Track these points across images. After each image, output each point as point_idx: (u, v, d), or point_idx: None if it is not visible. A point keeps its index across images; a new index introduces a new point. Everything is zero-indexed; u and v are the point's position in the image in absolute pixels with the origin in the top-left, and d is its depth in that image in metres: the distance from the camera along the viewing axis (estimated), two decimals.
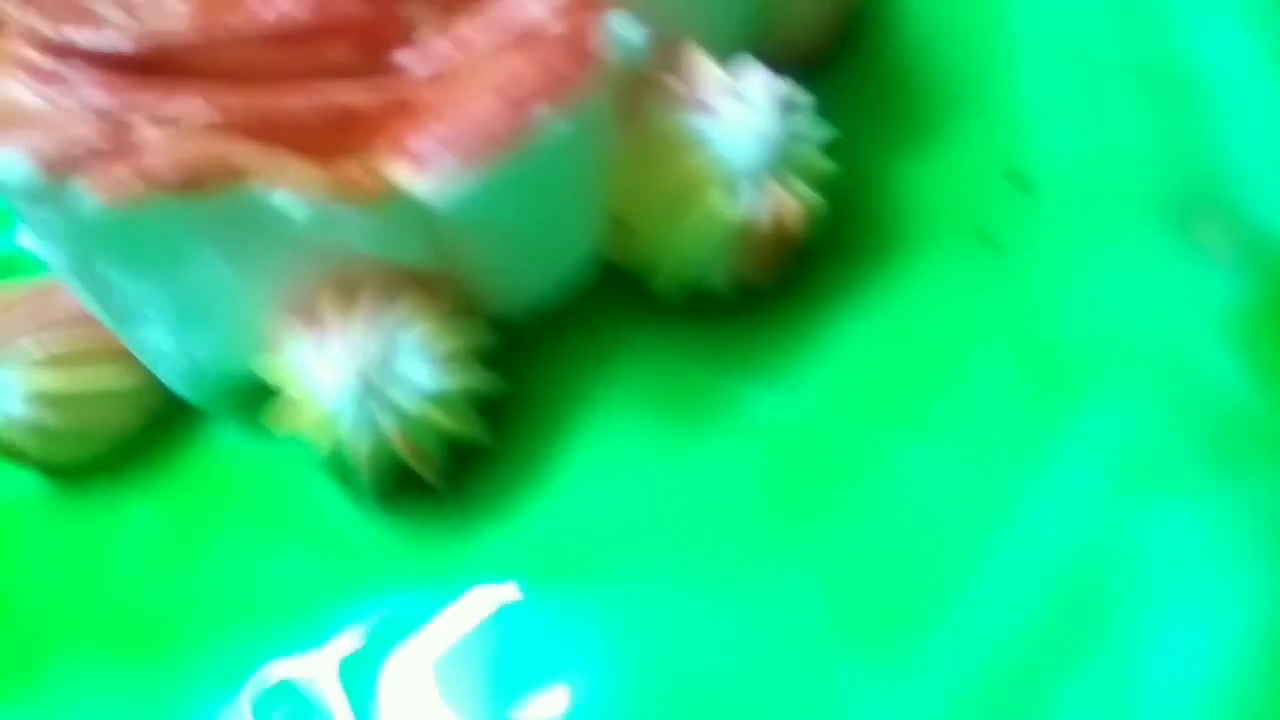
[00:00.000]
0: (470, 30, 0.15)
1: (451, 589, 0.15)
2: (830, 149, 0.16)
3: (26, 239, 0.18)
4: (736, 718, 0.14)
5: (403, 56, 0.15)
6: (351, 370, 0.15)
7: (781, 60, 0.17)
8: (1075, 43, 0.18)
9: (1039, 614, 0.14)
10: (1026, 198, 0.17)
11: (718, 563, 0.15)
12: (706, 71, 0.15)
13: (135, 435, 0.17)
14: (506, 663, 0.15)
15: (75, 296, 0.17)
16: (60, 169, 0.14)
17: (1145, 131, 0.17)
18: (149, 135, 0.14)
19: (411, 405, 0.15)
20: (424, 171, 0.13)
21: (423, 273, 0.15)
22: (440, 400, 0.15)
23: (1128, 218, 0.16)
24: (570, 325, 0.16)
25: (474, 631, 0.15)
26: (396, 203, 0.14)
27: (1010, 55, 0.18)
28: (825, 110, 0.16)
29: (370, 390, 0.15)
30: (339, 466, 0.15)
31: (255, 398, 0.17)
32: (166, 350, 0.16)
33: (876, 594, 0.14)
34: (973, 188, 0.17)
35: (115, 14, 0.16)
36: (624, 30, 0.14)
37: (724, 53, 0.17)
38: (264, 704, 0.16)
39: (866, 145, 0.17)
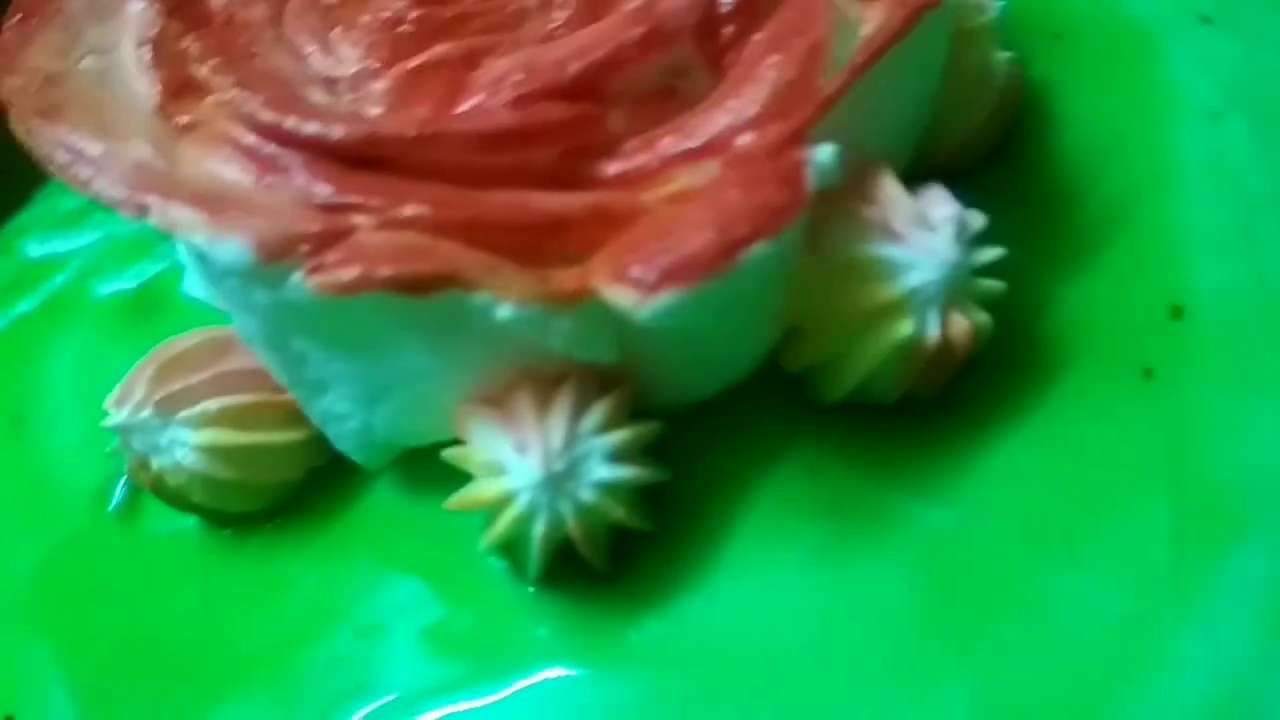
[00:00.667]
0: (672, 140, 0.16)
1: (604, 674, 0.16)
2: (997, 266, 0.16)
3: (195, 287, 0.18)
4: None
5: (605, 165, 0.16)
6: (538, 461, 0.15)
7: (937, 167, 0.18)
8: (1234, 170, 0.19)
9: None
10: (1181, 327, 0.17)
11: (862, 669, 0.16)
12: (895, 197, 0.16)
13: (297, 488, 0.18)
14: None
15: (250, 354, 0.17)
16: (278, 256, 0.15)
17: None
18: (367, 229, 0.15)
19: (589, 496, 0.15)
20: (637, 293, 0.14)
21: (606, 369, 0.16)
22: (615, 491, 0.16)
23: (1276, 359, 0.17)
24: (732, 415, 0.17)
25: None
26: (596, 310, 0.15)
27: (1169, 177, 0.19)
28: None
29: (553, 481, 0.15)
30: (507, 545, 0.16)
31: (419, 460, 0.17)
32: (343, 417, 0.17)
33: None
34: (1128, 313, 0.17)
35: (320, 93, 0.16)
36: (826, 157, 0.15)
37: (897, 166, 0.17)
38: None
39: (1024, 261, 0.18)
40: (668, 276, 0.14)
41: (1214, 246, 0.18)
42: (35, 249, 0.25)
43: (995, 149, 0.19)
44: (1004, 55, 0.19)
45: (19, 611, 0.19)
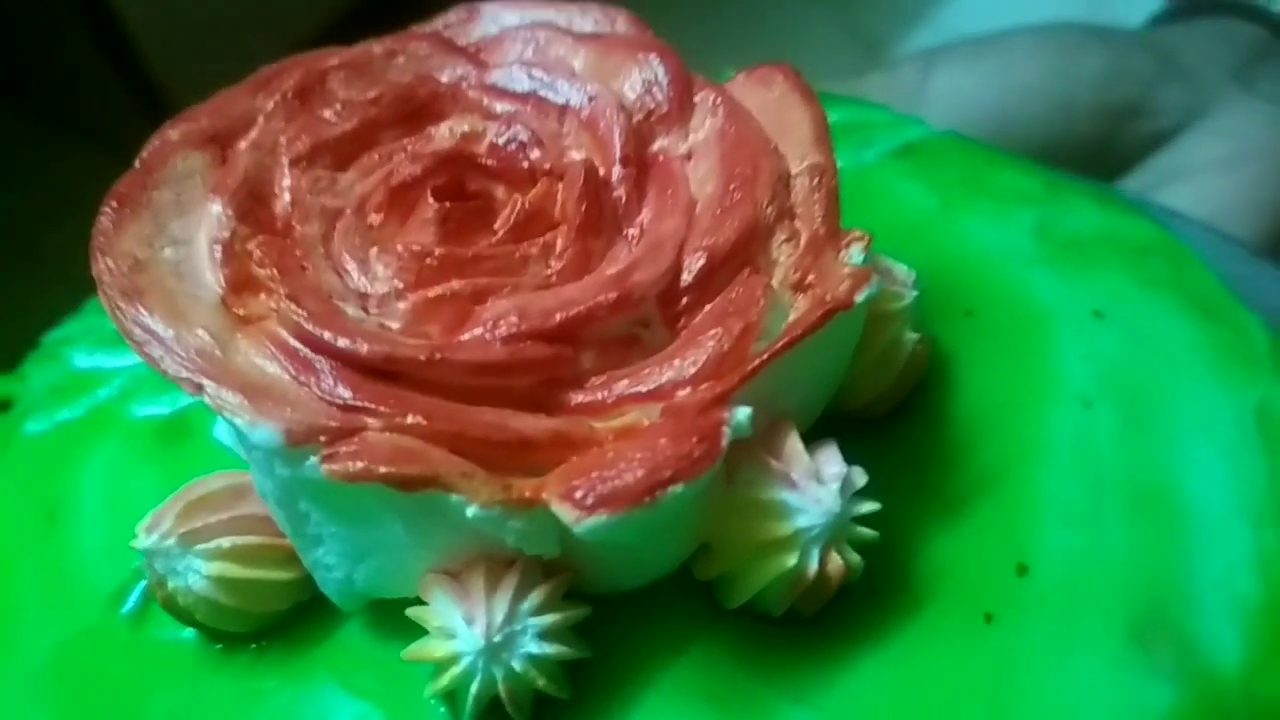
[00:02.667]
0: (627, 383, 0.20)
1: None
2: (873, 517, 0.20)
3: (224, 435, 0.22)
4: None
5: (573, 395, 0.20)
6: (481, 632, 0.19)
7: (846, 416, 0.22)
8: (1094, 453, 0.23)
9: None
10: (1024, 582, 0.21)
11: None
12: (796, 453, 0.20)
13: (282, 617, 0.22)
14: None
15: (262, 502, 0.21)
16: (301, 442, 0.18)
17: (1133, 549, 0.22)
18: (374, 430, 0.18)
19: (518, 666, 0.19)
20: (577, 511, 0.18)
21: (549, 560, 0.19)
22: (540, 664, 0.19)
23: (1099, 622, 0.20)
24: (649, 607, 0.21)
25: None
26: (547, 516, 0.18)
27: (1037, 452, 0.23)
28: (873, 468, 0.20)
29: (491, 650, 0.19)
30: (449, 695, 0.20)
31: (386, 609, 0.21)
32: (331, 568, 0.20)
33: None
34: (980, 565, 0.21)
35: (354, 307, 0.20)
36: (742, 418, 0.19)
37: (807, 422, 0.21)
38: None
39: (901, 511, 0.21)
40: (602, 502, 0.18)
41: (1064, 517, 0.22)
42: (83, 360, 0.29)
43: (899, 405, 0.23)
44: (912, 336, 0.23)
45: (31, 687, 0.23)
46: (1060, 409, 0.23)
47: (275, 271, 0.20)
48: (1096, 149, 0.48)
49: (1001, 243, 0.27)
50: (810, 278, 0.21)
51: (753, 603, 0.20)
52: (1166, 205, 0.41)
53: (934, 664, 0.20)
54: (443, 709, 0.20)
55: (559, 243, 0.21)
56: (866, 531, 0.20)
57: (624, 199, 0.22)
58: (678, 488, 0.18)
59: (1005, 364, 0.24)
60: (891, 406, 0.23)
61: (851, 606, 0.20)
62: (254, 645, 0.22)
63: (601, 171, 0.22)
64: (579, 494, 0.18)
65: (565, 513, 0.18)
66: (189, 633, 0.22)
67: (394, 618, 0.20)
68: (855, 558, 0.20)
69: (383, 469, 0.18)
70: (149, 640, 0.22)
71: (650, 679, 0.20)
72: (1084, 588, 0.21)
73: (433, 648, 0.19)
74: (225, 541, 0.21)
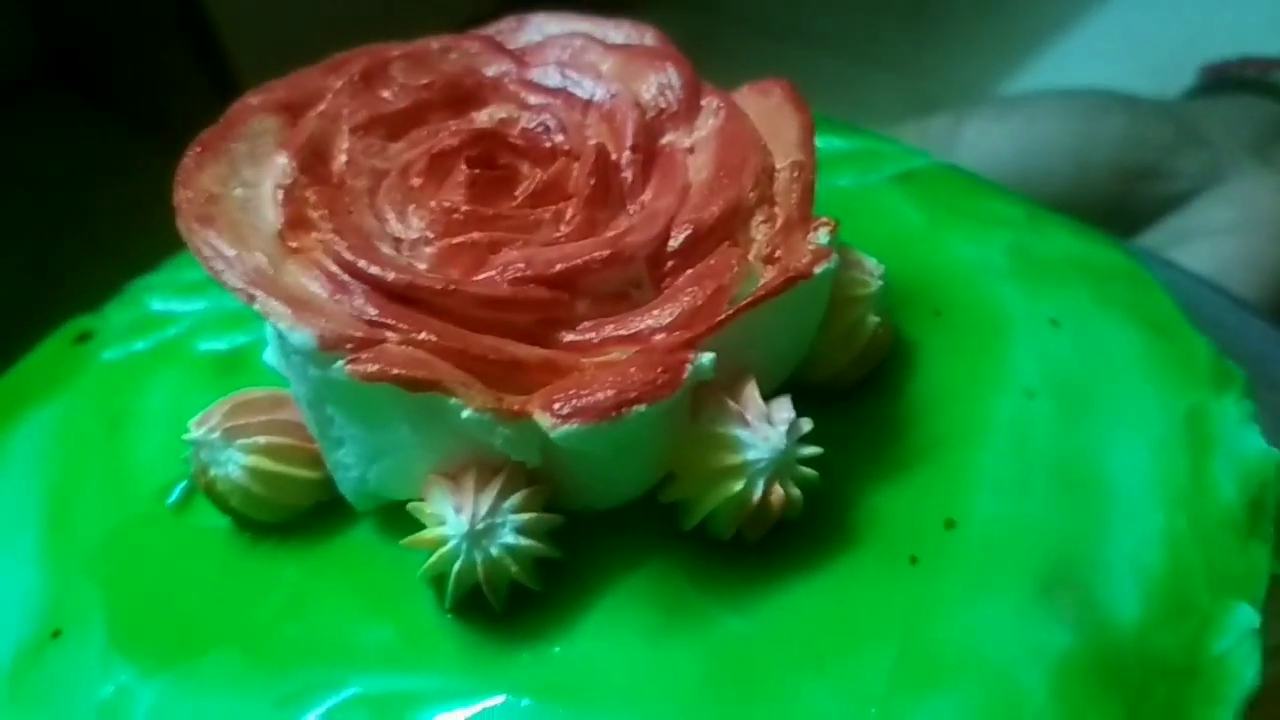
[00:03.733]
0: (612, 328, 0.23)
1: (481, 681, 0.22)
2: (817, 462, 0.23)
3: (272, 359, 0.26)
4: None
5: (564, 334, 0.23)
6: (467, 517, 0.22)
7: (812, 389, 0.25)
8: (1030, 436, 0.25)
9: None
10: (951, 534, 0.24)
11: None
12: (753, 398, 0.23)
13: (304, 513, 0.25)
14: None
15: (297, 411, 0.25)
16: (331, 348, 0.22)
17: (1053, 518, 0.24)
18: (393, 342, 0.22)
19: (497, 552, 0.22)
20: (554, 420, 0.21)
21: (532, 471, 0.23)
22: (515, 554, 0.22)
23: (1013, 575, 0.23)
24: (616, 524, 0.24)
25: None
26: (531, 427, 0.22)
27: (978, 430, 0.25)
28: (830, 430, 0.23)
29: (473, 535, 0.22)
30: (437, 579, 0.23)
31: (392, 511, 0.24)
32: (349, 467, 0.24)
33: None
34: (913, 517, 0.24)
35: (388, 247, 0.24)
36: (704, 361, 0.22)
37: (772, 382, 0.24)
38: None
39: (848, 465, 0.24)
40: (576, 414, 0.21)
41: (994, 486, 0.25)
42: (158, 305, 0.33)
43: (861, 382, 0.26)
44: (874, 320, 0.26)
45: (83, 559, 0.26)
46: (1005, 397, 0.26)
47: (326, 212, 0.24)
48: (1113, 206, 0.50)
49: (977, 258, 0.30)
50: (779, 253, 0.24)
51: (705, 526, 0.23)
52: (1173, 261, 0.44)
53: (860, 593, 0.23)
54: (431, 594, 0.23)
55: (569, 211, 0.25)
56: (808, 471, 0.23)
57: (630, 180, 0.25)
58: (641, 408, 0.21)
59: (962, 357, 0.27)
60: (853, 382, 0.26)
61: (791, 539, 0.23)
62: (278, 536, 0.25)
63: (614, 156, 0.26)
64: (557, 405, 0.21)
65: (545, 421, 0.21)
66: (223, 522, 0.25)
67: (398, 520, 0.24)
68: (796, 492, 0.23)
69: (395, 371, 0.21)
70: (188, 527, 0.26)
71: (610, 585, 0.23)
72: (1003, 545, 0.24)
73: (426, 533, 0.22)
74: (261, 439, 0.24)
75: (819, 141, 0.26)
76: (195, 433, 0.24)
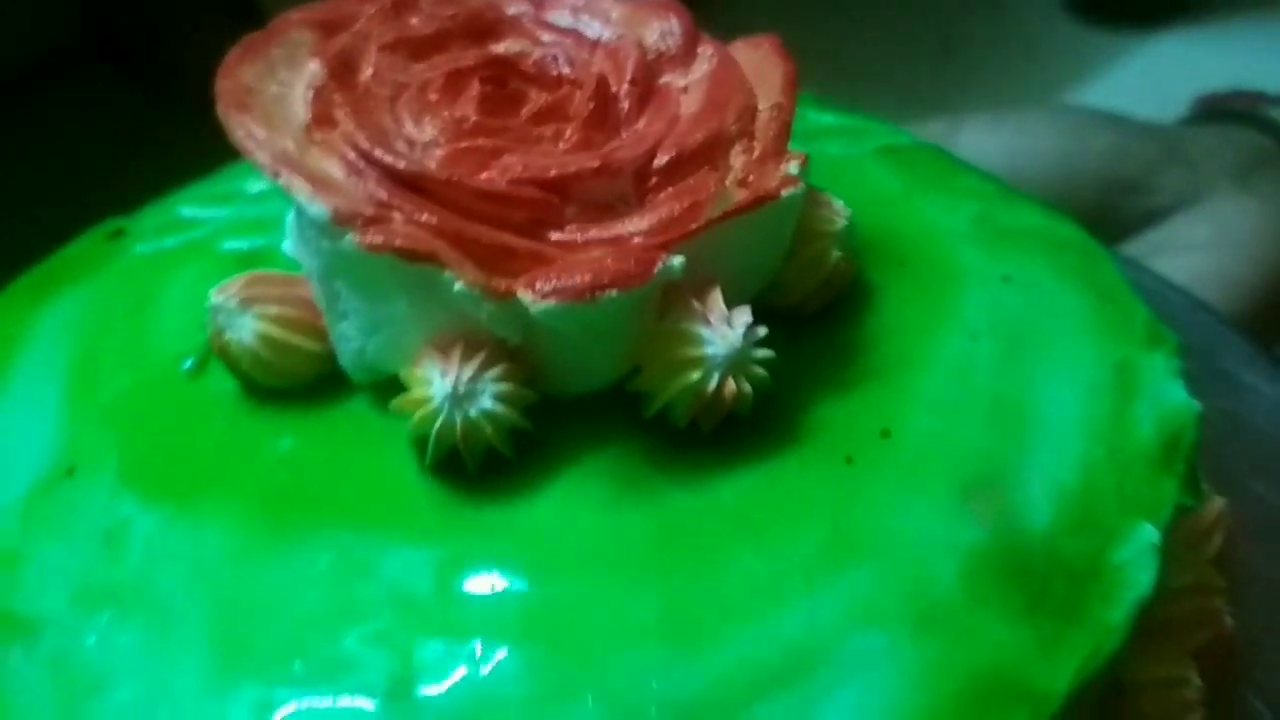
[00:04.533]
0: (596, 231, 0.25)
1: (451, 531, 0.25)
2: (773, 371, 0.26)
3: (291, 248, 0.28)
4: None
5: (552, 233, 0.25)
6: (450, 384, 0.24)
7: (781, 312, 0.28)
8: (969, 369, 0.28)
9: None
10: (886, 442, 0.26)
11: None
12: (716, 302, 0.25)
13: (307, 382, 0.28)
14: None
15: (310, 291, 0.27)
16: (344, 221, 0.24)
17: (981, 437, 0.27)
18: (398, 222, 0.25)
19: (473, 414, 0.25)
20: (534, 297, 0.24)
21: (514, 349, 0.25)
22: (491, 418, 0.25)
23: (937, 479, 0.26)
24: (586, 408, 0.26)
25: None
26: (515, 305, 0.24)
27: (922, 361, 0.28)
28: (789, 347, 0.26)
29: (455, 398, 0.25)
30: (420, 439, 0.25)
31: (386, 386, 0.27)
32: (350, 339, 0.26)
33: None
34: (853, 425, 0.26)
35: (402, 145, 0.27)
36: (674, 262, 0.25)
37: (738, 297, 0.27)
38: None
39: (799, 376, 0.27)
40: (555, 293, 0.24)
41: (930, 406, 0.27)
42: (188, 211, 0.36)
43: (822, 311, 0.29)
44: (838, 254, 0.28)
45: (101, 411, 0.29)
46: (951, 336, 0.29)
47: (349, 111, 0.27)
48: (1097, 216, 0.53)
49: (944, 222, 0.33)
50: (752, 178, 0.26)
51: (664, 414, 0.26)
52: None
53: (798, 482, 0.25)
54: (413, 459, 0.26)
55: (568, 130, 0.27)
56: (760, 371, 0.25)
57: (626, 110, 0.28)
58: (613, 293, 0.24)
59: (917, 300, 0.30)
60: (815, 310, 0.29)
61: (742, 431, 0.26)
62: (281, 401, 0.28)
63: (614, 88, 0.28)
64: (538, 285, 0.24)
65: (527, 297, 0.24)
66: (232, 386, 0.28)
67: (390, 396, 0.26)
68: (747, 388, 0.25)
69: (397, 243, 0.24)
70: (200, 389, 0.28)
71: (575, 460, 0.26)
72: (931, 454, 0.26)
73: (412, 394, 0.25)
74: (274, 309, 0.27)
75: (815, 115, 0.29)
76: (215, 299, 0.27)
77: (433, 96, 0.28)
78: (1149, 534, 0.25)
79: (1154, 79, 0.78)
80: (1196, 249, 0.51)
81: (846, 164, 0.35)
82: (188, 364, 0.29)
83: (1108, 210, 0.53)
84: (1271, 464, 0.37)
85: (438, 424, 0.25)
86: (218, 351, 0.27)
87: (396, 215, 0.25)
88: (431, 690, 0.23)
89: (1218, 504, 0.32)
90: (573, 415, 0.26)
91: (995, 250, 0.32)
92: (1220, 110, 0.59)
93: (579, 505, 0.25)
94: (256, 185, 0.35)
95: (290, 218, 0.28)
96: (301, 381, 0.28)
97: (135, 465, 0.27)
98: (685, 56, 0.29)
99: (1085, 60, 0.61)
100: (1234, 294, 0.50)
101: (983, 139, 0.54)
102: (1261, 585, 0.34)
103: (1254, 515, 0.35)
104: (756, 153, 0.27)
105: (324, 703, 0.23)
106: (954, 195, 0.34)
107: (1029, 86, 0.60)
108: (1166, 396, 0.28)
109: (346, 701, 0.23)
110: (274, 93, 0.28)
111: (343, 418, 0.27)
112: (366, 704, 0.23)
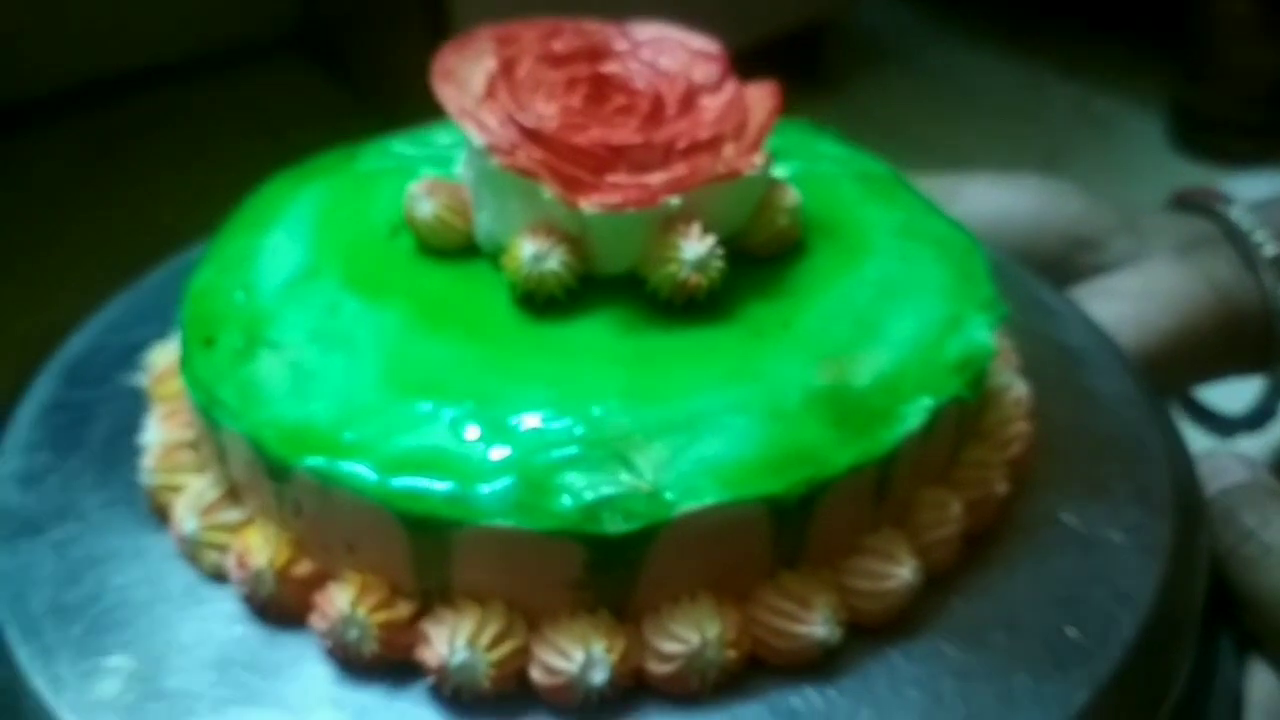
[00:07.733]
0: (632, 178, 0.44)
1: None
2: (720, 270, 0.43)
3: (460, 169, 0.47)
4: None
5: (609, 176, 0.44)
6: (535, 248, 0.43)
7: (744, 252, 0.45)
8: (851, 294, 0.45)
9: None
10: (783, 329, 0.43)
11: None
12: (695, 230, 0.43)
13: (459, 245, 0.46)
14: None
15: (467, 194, 0.46)
16: (492, 150, 0.43)
17: (844, 333, 0.44)
18: (522, 156, 0.43)
19: (545, 273, 0.43)
20: (590, 205, 0.42)
21: (575, 237, 0.44)
22: (556, 277, 0.43)
23: (808, 352, 0.43)
24: (610, 281, 0.44)
25: None
26: (577, 212, 0.43)
27: (825, 284, 0.45)
28: (744, 274, 0.44)
29: (540, 257, 0.43)
30: (514, 284, 0.44)
31: (499, 251, 0.45)
32: (484, 224, 0.45)
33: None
34: (766, 317, 0.44)
35: (533, 116, 0.45)
36: (673, 201, 0.43)
37: (713, 233, 0.44)
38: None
39: (746, 287, 0.44)
40: (601, 205, 0.42)
41: (817, 315, 0.44)
42: (398, 148, 0.56)
43: (771, 256, 0.46)
44: (785, 221, 0.46)
45: (335, 246, 0.48)
46: (849, 280, 0.46)
47: (507, 92, 0.46)
48: (1056, 263, 0.68)
49: (876, 219, 0.50)
50: (735, 163, 0.44)
51: (655, 290, 0.44)
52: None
53: (726, 340, 0.43)
54: (510, 293, 0.45)
55: (632, 122, 0.46)
56: (714, 272, 0.43)
57: (671, 115, 0.46)
58: (632, 210, 0.42)
59: (835, 259, 0.47)
60: (767, 255, 0.46)
61: (699, 311, 0.44)
62: (441, 256, 0.47)
63: (665, 101, 0.47)
64: (594, 198, 0.42)
65: (586, 204, 0.42)
66: (414, 243, 0.47)
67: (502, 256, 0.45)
68: (704, 281, 0.43)
69: (520, 164, 0.43)
70: (396, 244, 0.48)
71: (599, 312, 0.44)
72: (809, 340, 0.43)
73: (513, 251, 0.44)
74: (444, 199, 0.46)
75: (825, 146, 0.47)
76: (412, 190, 0.46)
77: (557, 91, 0.47)
78: (927, 402, 0.42)
79: None
80: (1125, 296, 0.66)
81: (827, 177, 0.53)
82: (390, 229, 0.48)
83: (1066, 260, 0.68)
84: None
85: (524, 274, 0.43)
86: (409, 221, 0.47)
87: (521, 151, 0.43)
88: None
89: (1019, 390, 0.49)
90: (603, 285, 0.44)
91: (904, 240, 0.49)
92: (1185, 201, 0.73)
93: (599, 332, 0.43)
94: (445, 138, 0.55)
95: (463, 153, 0.47)
96: (455, 245, 0.47)
97: (351, 275, 0.46)
98: (715, 89, 0.48)
99: (1177, 189, 0.74)
100: (1147, 337, 0.64)
101: (982, 191, 0.70)
102: None
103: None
104: (740, 149, 0.45)
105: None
106: (894, 206, 0.52)
107: (1119, 204, 0.71)
108: (977, 337, 0.45)
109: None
110: (465, 74, 0.47)
111: (474, 267, 0.46)
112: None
